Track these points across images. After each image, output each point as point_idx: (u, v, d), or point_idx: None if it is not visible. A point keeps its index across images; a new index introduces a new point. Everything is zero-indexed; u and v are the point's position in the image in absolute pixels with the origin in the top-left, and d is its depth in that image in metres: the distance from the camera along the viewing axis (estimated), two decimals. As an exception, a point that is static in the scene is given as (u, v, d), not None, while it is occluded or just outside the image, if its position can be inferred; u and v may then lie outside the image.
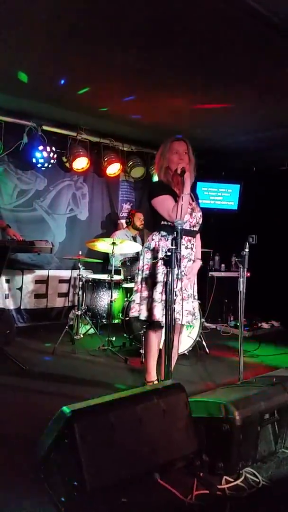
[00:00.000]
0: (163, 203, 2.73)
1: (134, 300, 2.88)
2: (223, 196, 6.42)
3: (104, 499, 1.74)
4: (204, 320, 5.29)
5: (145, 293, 2.85)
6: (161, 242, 2.76)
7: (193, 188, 2.91)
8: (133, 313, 2.90)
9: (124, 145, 5.72)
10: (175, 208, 2.64)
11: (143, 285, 2.85)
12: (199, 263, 2.99)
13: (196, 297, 3.03)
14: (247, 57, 3.28)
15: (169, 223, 2.72)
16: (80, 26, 2.97)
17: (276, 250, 5.77)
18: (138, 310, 2.87)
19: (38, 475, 1.87)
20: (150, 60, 3.43)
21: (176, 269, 2.28)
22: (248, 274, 5.91)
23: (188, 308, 2.82)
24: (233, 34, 2.96)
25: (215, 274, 6.00)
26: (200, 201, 6.11)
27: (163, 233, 2.77)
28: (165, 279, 2.33)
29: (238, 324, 5.52)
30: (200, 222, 2.88)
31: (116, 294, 4.56)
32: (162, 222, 2.77)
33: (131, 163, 5.73)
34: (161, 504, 1.84)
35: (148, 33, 3.01)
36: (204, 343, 4.44)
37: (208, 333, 5.17)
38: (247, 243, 2.82)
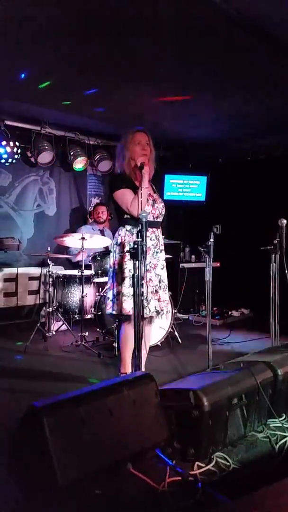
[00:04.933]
0: (123, 197, 2.73)
1: (108, 298, 2.89)
2: (191, 188, 6.47)
3: (77, 492, 1.75)
4: (176, 311, 5.36)
5: (115, 289, 2.87)
6: (127, 237, 2.76)
7: (156, 180, 2.92)
8: (108, 310, 2.94)
9: (90, 138, 5.66)
10: (134, 202, 2.65)
11: (114, 281, 2.87)
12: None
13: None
14: (207, 50, 3.30)
15: (132, 216, 2.73)
16: (41, 20, 2.91)
17: (243, 239, 5.88)
18: (111, 306, 2.89)
19: (9, 472, 1.86)
20: (112, 53, 3.40)
21: (142, 261, 2.29)
22: (218, 264, 6.08)
23: (165, 298, 2.85)
24: (195, 28, 2.97)
25: (186, 265, 6.07)
26: (168, 193, 6.27)
27: (128, 227, 2.78)
28: (132, 272, 2.34)
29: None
30: (163, 213, 2.90)
31: (87, 289, 4.54)
32: (125, 216, 2.77)
33: (98, 156, 5.69)
34: (134, 493, 1.87)
35: (111, 25, 2.98)
36: (176, 333, 4.49)
37: (180, 324, 5.24)
38: (212, 233, 2.86)
